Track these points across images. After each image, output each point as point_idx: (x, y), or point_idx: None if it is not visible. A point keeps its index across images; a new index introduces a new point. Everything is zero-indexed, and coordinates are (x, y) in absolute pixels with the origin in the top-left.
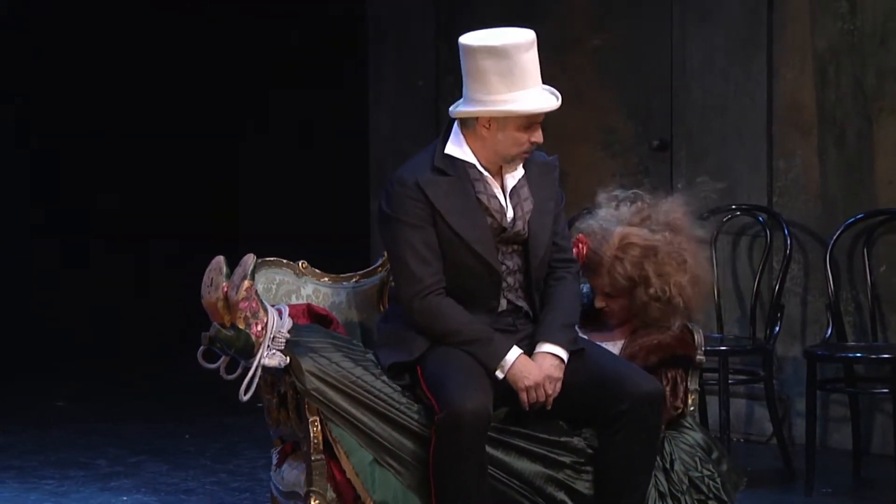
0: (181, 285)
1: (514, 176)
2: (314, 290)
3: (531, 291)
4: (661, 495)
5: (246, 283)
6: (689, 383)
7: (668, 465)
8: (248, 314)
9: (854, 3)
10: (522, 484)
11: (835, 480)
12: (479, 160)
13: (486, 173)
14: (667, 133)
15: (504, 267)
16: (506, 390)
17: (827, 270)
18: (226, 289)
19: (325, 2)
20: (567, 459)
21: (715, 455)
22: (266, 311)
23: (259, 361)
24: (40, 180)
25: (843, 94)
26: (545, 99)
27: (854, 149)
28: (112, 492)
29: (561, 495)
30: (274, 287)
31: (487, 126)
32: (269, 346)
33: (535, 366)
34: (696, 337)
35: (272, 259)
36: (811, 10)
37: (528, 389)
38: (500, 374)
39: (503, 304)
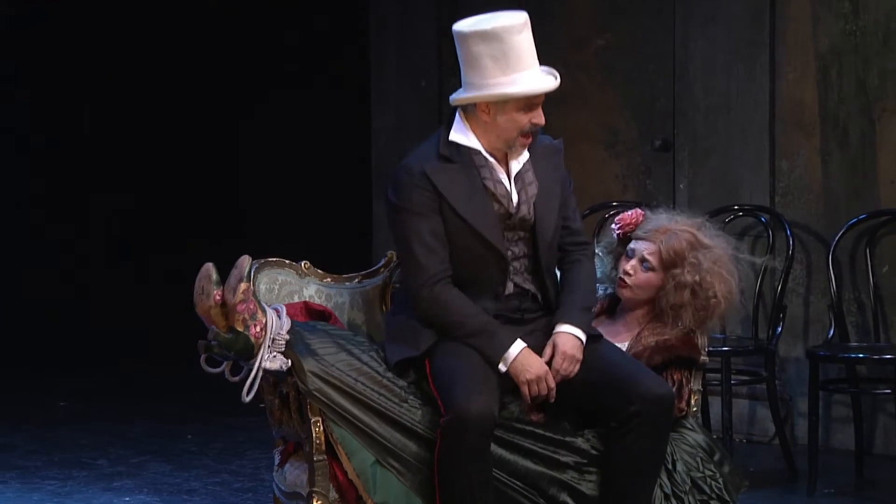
0: (184, 290)
1: (520, 161)
2: (316, 290)
3: (541, 275)
4: (665, 496)
5: (243, 286)
6: (692, 384)
7: (670, 466)
8: (247, 316)
9: (856, 4)
10: (525, 485)
11: (837, 481)
12: (483, 146)
13: (491, 159)
14: (669, 133)
15: (510, 252)
16: (513, 386)
17: (829, 271)
18: (219, 295)
19: (328, 2)
20: (570, 460)
21: (717, 457)
22: (264, 311)
23: (260, 363)
24: (40, 180)
25: (846, 94)
26: (542, 79)
27: (857, 149)
28: (115, 492)
29: (564, 496)
30: (276, 288)
31: (487, 111)
32: (269, 347)
33: (538, 359)
34: (700, 339)
35: (274, 259)
36: (813, 10)
37: (529, 383)
38: (502, 367)
39: (510, 287)
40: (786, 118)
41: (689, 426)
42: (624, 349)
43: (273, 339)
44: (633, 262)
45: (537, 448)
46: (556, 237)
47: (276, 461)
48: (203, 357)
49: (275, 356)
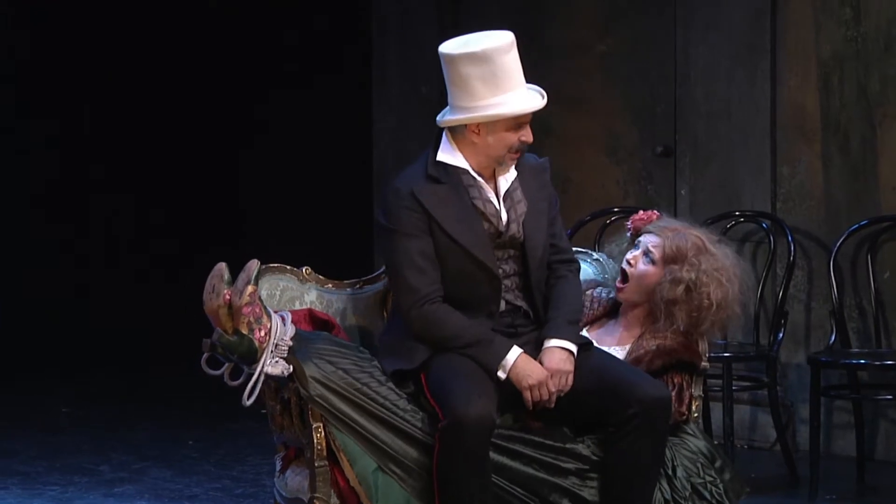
0: (184, 290)
1: (507, 179)
2: (317, 296)
3: (531, 292)
4: (666, 501)
5: (249, 289)
6: (692, 389)
7: (670, 472)
8: (252, 319)
9: (858, 10)
10: (526, 492)
11: (839, 487)
12: (471, 165)
13: (479, 178)
14: (671, 139)
15: (501, 271)
16: (510, 395)
17: (831, 276)
18: (228, 295)
19: (328, 3)
20: (572, 466)
21: (718, 463)
22: (269, 316)
23: (262, 368)
24: (40, 180)
25: (847, 100)
26: (531, 98)
27: (858, 155)
28: (116, 497)
29: (565, 502)
30: (277, 293)
31: (477, 131)
32: (272, 352)
33: (537, 365)
34: (701, 344)
35: (276, 265)
36: (815, 16)
37: (531, 388)
38: (501, 375)
39: (502, 304)
40: (787, 124)
41: (690, 432)
42: (625, 352)
43: (276, 345)
44: (637, 252)
45: (538, 455)
46: (545, 255)
47: (278, 467)
48: (205, 357)
49: (277, 361)
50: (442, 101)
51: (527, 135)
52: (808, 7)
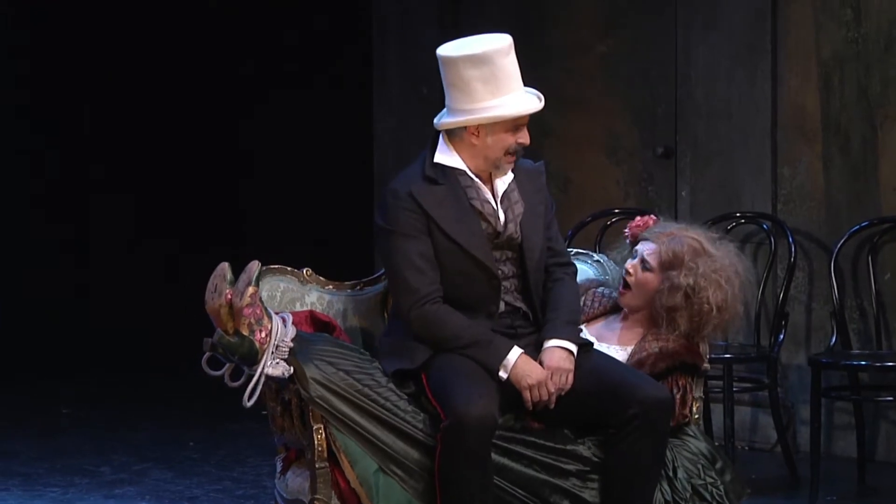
0: (184, 292)
1: (504, 181)
2: (318, 297)
3: (529, 294)
4: (667, 503)
5: (250, 290)
6: (694, 391)
7: (671, 474)
8: (252, 321)
9: (858, 11)
10: (527, 493)
11: (839, 488)
12: (468, 167)
13: (477, 179)
14: (671, 140)
15: (500, 272)
16: (511, 395)
17: (831, 278)
18: (230, 295)
19: (328, 3)
20: (573, 468)
21: (719, 464)
22: (270, 317)
23: (262, 369)
24: (40, 180)
25: (848, 101)
26: (529, 100)
27: (859, 156)
28: (117, 499)
29: None
30: (278, 295)
31: (476, 133)
32: (272, 353)
33: (537, 365)
34: (702, 346)
35: (276, 266)
36: (815, 17)
37: (531, 388)
38: (502, 375)
39: (501, 305)
40: (787, 125)
41: (691, 433)
42: (627, 353)
43: (277, 346)
44: (635, 261)
45: (539, 456)
46: (542, 257)
47: (278, 468)
48: (206, 357)
49: (277, 363)
50: (442, 102)
51: (524, 137)
52: (808, 8)
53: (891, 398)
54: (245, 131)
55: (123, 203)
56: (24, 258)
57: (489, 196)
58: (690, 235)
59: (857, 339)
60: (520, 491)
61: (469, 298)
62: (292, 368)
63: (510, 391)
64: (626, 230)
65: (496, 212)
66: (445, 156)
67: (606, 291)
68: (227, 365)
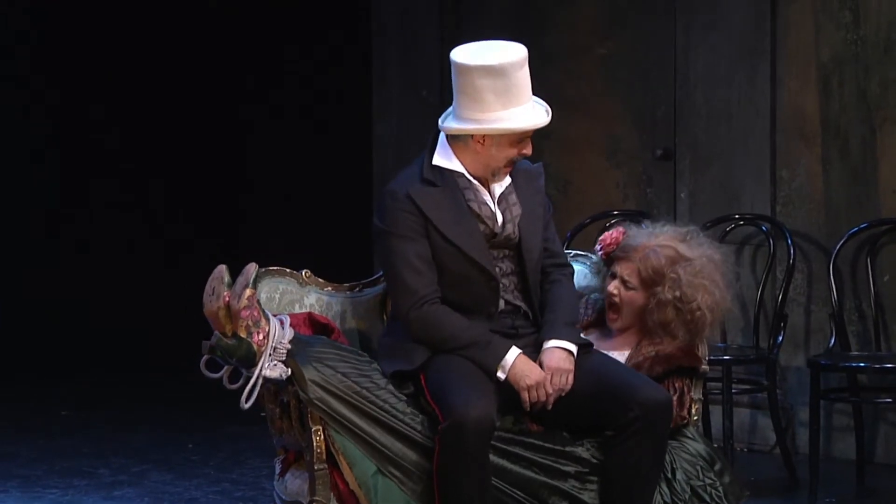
0: (184, 291)
1: (502, 184)
2: (317, 299)
3: (528, 294)
4: None
5: (248, 292)
6: (692, 393)
7: (669, 475)
8: (250, 323)
9: (857, 13)
10: (526, 495)
11: (838, 490)
12: (467, 170)
13: (475, 181)
14: (670, 142)
15: (498, 269)
16: (510, 397)
17: (830, 280)
18: (227, 298)
19: (328, 4)
20: (571, 469)
21: (718, 467)
22: (268, 319)
23: (260, 371)
24: (40, 180)
25: (847, 103)
26: (538, 114)
27: (858, 158)
28: (116, 501)
29: None
30: (277, 296)
31: (482, 142)
32: (270, 355)
33: (536, 366)
34: (700, 348)
35: (275, 268)
36: (815, 19)
37: (528, 389)
38: (501, 375)
39: (501, 304)
40: (787, 127)
41: (690, 435)
42: (624, 357)
43: (275, 348)
44: (616, 283)
45: (538, 458)
46: (540, 258)
47: (277, 470)
48: (204, 359)
49: (275, 364)
50: (442, 104)
51: (527, 148)
52: (807, 10)
53: (890, 400)
54: (244, 132)
55: (123, 204)
56: (24, 258)
57: (487, 198)
58: (663, 244)
59: (856, 341)
60: (518, 492)
61: (467, 300)
62: (290, 370)
63: (509, 392)
64: (598, 247)
65: (494, 214)
66: (444, 158)
67: (600, 297)
68: (226, 367)
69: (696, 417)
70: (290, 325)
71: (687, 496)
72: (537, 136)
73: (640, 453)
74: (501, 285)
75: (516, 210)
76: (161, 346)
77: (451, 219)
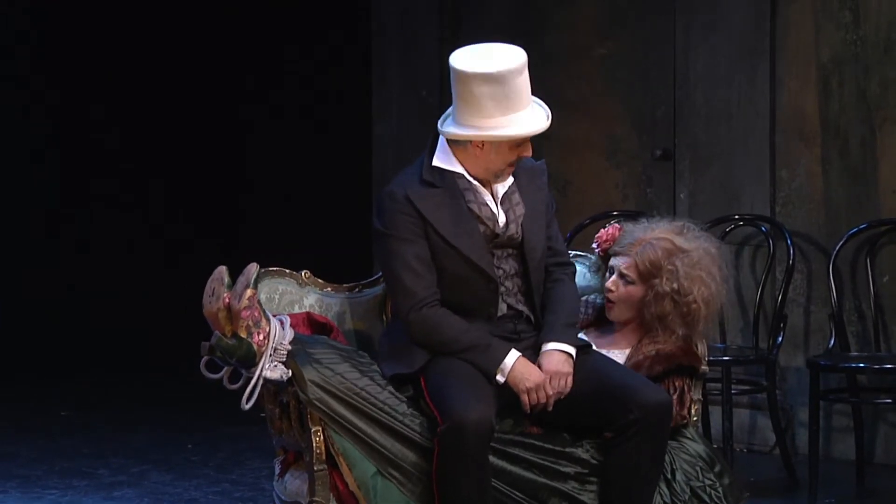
0: (184, 291)
1: (504, 184)
2: (317, 299)
3: (531, 296)
4: None
5: (248, 292)
6: (692, 393)
7: (669, 476)
8: (250, 323)
9: (857, 13)
10: (526, 496)
11: (838, 491)
12: (467, 171)
13: (475, 182)
14: (670, 142)
15: (500, 271)
16: (509, 400)
17: (830, 280)
18: (227, 298)
19: (328, 4)
20: (571, 470)
21: (717, 468)
22: (268, 320)
23: (261, 372)
24: (40, 180)
25: (847, 103)
26: (538, 119)
27: (857, 158)
28: (115, 501)
29: None
30: (276, 297)
31: (481, 146)
32: (270, 356)
33: (535, 368)
34: (700, 347)
35: (275, 269)
36: (815, 19)
37: (528, 391)
38: (500, 378)
39: (502, 308)
40: (787, 127)
41: (689, 436)
42: (624, 357)
43: (275, 349)
44: (614, 278)
45: (537, 459)
46: (543, 257)
47: (277, 471)
48: (204, 360)
49: (276, 365)
50: (442, 105)
51: (527, 150)
52: (807, 10)
53: (889, 400)
54: (244, 132)
55: (123, 204)
56: (24, 258)
57: (488, 199)
58: (659, 237)
59: (855, 342)
60: (518, 494)
61: (467, 302)
62: (290, 371)
63: (509, 395)
64: (595, 245)
65: (495, 215)
66: (444, 159)
67: (599, 297)
68: (226, 368)
69: (695, 418)
70: (291, 325)
71: (686, 497)
72: (537, 136)
73: (639, 454)
74: (504, 288)
75: (519, 210)
76: (161, 346)
77: (450, 220)
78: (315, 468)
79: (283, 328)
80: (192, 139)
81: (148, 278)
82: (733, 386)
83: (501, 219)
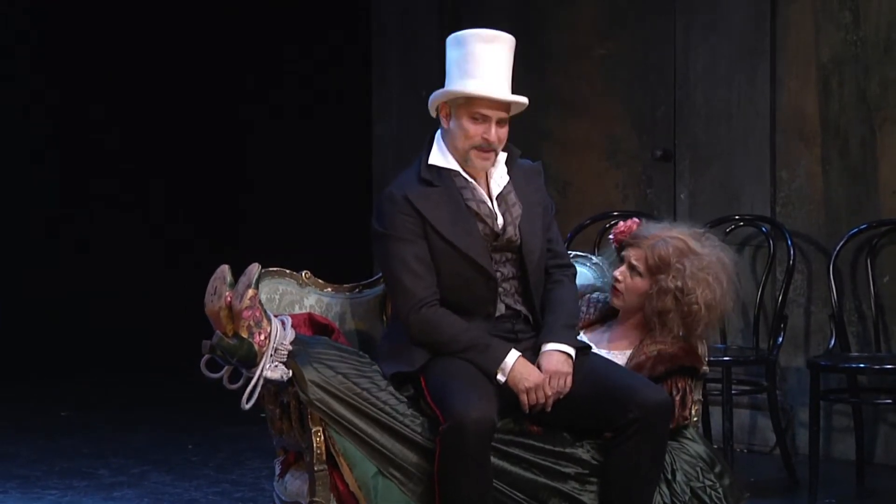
0: (184, 291)
1: (500, 183)
2: (317, 300)
3: (530, 297)
4: None
5: (250, 292)
6: (693, 394)
7: (669, 477)
8: (252, 323)
9: (857, 13)
10: (526, 496)
11: (838, 491)
12: (460, 166)
13: (472, 180)
14: (670, 142)
15: (499, 273)
16: (510, 399)
17: (830, 280)
18: (229, 298)
19: (328, 4)
20: (571, 471)
21: (718, 469)
22: (269, 320)
23: (261, 372)
24: (40, 180)
25: (847, 103)
26: (492, 88)
27: (857, 158)
28: (115, 501)
29: None
30: (277, 297)
31: (447, 116)
32: (271, 356)
33: (534, 368)
34: (700, 348)
35: (275, 269)
36: (815, 20)
37: (527, 391)
38: (500, 378)
39: (501, 308)
40: (787, 128)
41: (690, 436)
42: (626, 357)
43: (276, 349)
44: (623, 268)
45: (538, 459)
46: (542, 259)
47: (277, 471)
48: (204, 360)
49: (276, 366)
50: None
51: (490, 133)
52: (807, 10)
53: (889, 401)
54: (244, 132)
55: (123, 204)
56: (24, 258)
57: (485, 196)
58: (675, 236)
59: (855, 342)
60: (518, 494)
61: (466, 300)
62: (291, 371)
63: (509, 395)
64: (611, 236)
65: (492, 212)
66: (440, 156)
67: (602, 297)
68: (226, 367)
69: (695, 418)
70: (292, 325)
71: (687, 497)
72: (536, 137)
73: (639, 455)
74: (502, 289)
75: (516, 211)
76: (161, 346)
77: (449, 218)
78: (315, 468)
79: (285, 328)
80: (192, 139)
81: (148, 278)
82: (734, 386)
83: (499, 219)
